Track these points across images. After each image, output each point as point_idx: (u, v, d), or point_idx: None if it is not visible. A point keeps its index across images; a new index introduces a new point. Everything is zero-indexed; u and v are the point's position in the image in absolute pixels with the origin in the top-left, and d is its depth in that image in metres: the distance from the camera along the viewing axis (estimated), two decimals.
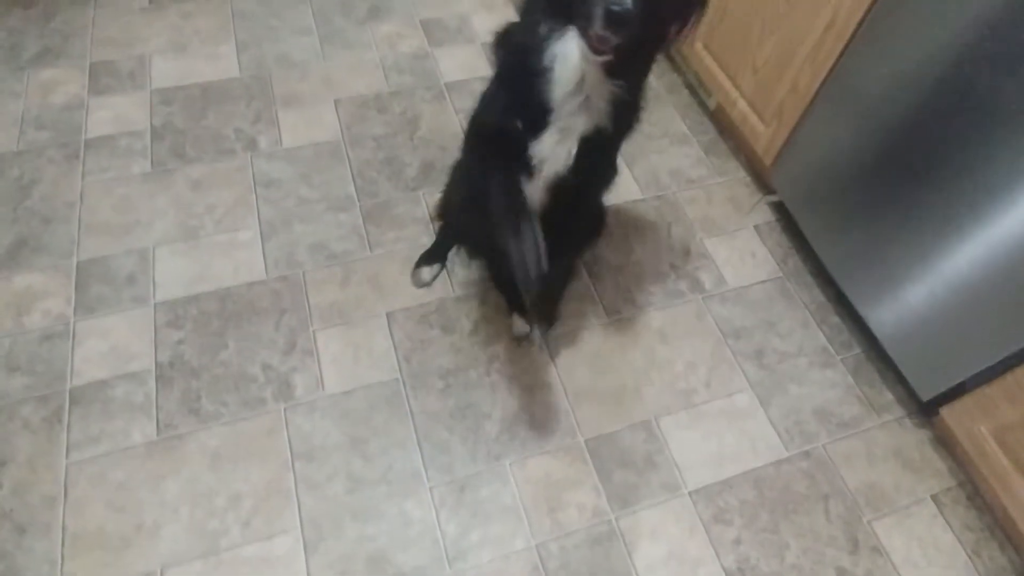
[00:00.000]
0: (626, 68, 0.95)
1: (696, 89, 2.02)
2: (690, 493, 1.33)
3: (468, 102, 1.89)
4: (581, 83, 0.96)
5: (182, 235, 1.60)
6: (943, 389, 1.33)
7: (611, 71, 0.95)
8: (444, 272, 1.59)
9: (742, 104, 1.73)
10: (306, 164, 1.76)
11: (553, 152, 1.04)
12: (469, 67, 2.04)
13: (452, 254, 1.60)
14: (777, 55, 1.55)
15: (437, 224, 1.65)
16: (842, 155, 1.45)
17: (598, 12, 0.80)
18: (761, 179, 1.82)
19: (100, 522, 1.21)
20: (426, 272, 1.56)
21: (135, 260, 1.55)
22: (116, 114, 1.84)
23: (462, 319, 1.52)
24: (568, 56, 0.93)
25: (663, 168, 1.85)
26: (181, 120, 1.83)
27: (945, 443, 1.44)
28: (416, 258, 1.58)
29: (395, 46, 2.08)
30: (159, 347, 1.43)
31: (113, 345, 1.42)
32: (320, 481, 1.29)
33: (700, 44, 1.85)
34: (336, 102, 1.91)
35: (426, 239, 1.64)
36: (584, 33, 0.88)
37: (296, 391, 1.39)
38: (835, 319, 1.60)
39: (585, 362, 1.48)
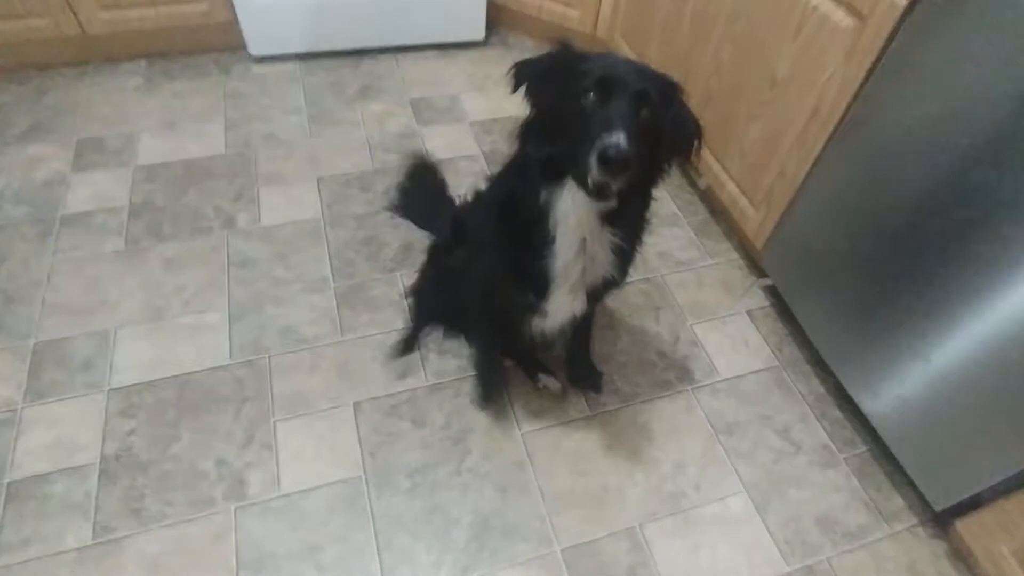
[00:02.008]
0: (626, 211, 0.98)
1: (687, 170, 1.99)
2: None
3: (454, 179, 1.86)
4: (583, 242, 1.00)
5: (147, 316, 1.54)
6: (956, 500, 1.20)
7: (611, 219, 0.98)
8: (418, 358, 1.50)
9: (731, 187, 1.68)
10: (283, 243, 1.72)
11: (567, 305, 1.12)
12: (456, 145, 2.02)
13: (427, 338, 1.52)
14: (763, 140, 1.51)
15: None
16: (834, 241, 1.39)
17: (595, 159, 0.82)
18: (754, 262, 1.76)
19: None
20: (417, 344, 1.52)
21: (95, 343, 1.48)
22: (96, 191, 1.82)
23: (434, 411, 1.42)
24: (569, 217, 0.97)
25: (652, 249, 1.79)
26: (161, 197, 1.81)
27: (964, 558, 1.29)
28: (393, 343, 1.52)
29: (383, 124, 2.08)
30: (108, 438, 1.34)
31: (59, 435, 1.33)
32: None
33: None
34: (319, 180, 1.89)
35: (400, 322, 1.56)
36: (583, 183, 0.89)
37: (250, 489, 1.28)
38: (836, 413, 1.49)
39: (564, 461, 1.37)
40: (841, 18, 1.23)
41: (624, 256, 1.08)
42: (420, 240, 1.74)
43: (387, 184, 1.89)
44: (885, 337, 1.29)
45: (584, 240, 1.01)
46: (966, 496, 1.17)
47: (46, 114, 2.04)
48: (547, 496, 1.31)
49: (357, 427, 1.38)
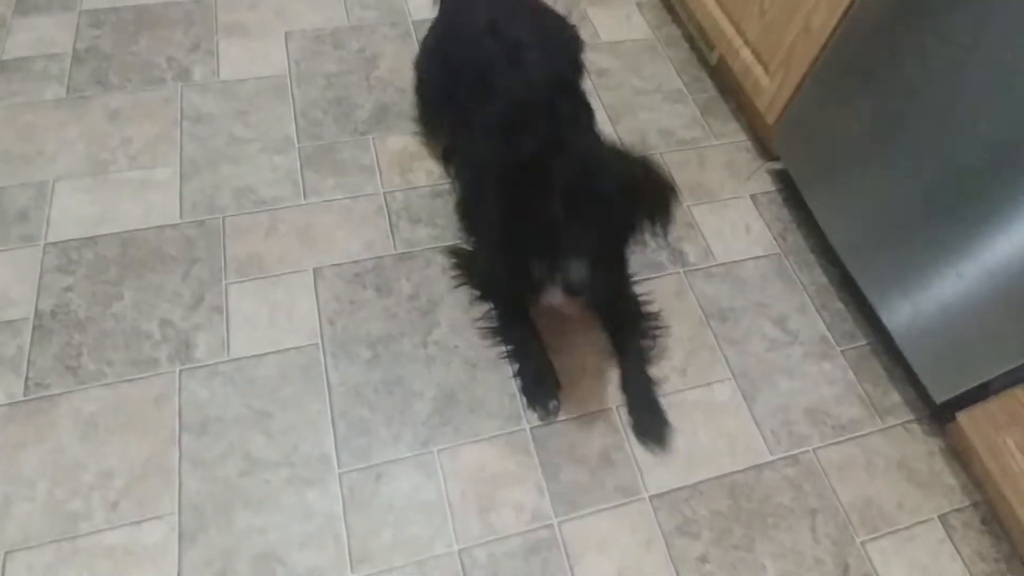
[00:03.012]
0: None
1: (697, 42, 1.78)
2: (651, 498, 1.11)
3: None
4: None
5: (89, 170, 1.39)
6: (963, 390, 1.10)
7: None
8: (389, 228, 1.37)
9: (745, 53, 1.50)
10: (244, 100, 1.55)
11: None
12: None
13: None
14: None
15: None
16: (858, 116, 1.22)
17: (558, 287, 0.92)
18: (763, 144, 1.59)
19: None
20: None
21: (31, 194, 1.34)
22: (38, 36, 1.63)
23: (401, 280, 1.30)
24: None
25: (652, 126, 1.62)
26: (108, 44, 1.62)
27: (959, 455, 1.21)
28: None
29: None
30: (43, 293, 1.22)
31: None
32: (209, 460, 1.08)
33: None
34: (287, 34, 1.69)
35: (370, 188, 1.42)
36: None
37: (196, 352, 1.18)
38: (838, 305, 1.38)
39: (543, 339, 1.26)
40: None
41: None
42: (396, 102, 1.58)
43: (363, 43, 1.69)
44: (909, 223, 1.15)
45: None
46: (974, 384, 1.07)
47: None
48: None
49: (316, 294, 1.27)
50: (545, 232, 0.91)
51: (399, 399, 1.17)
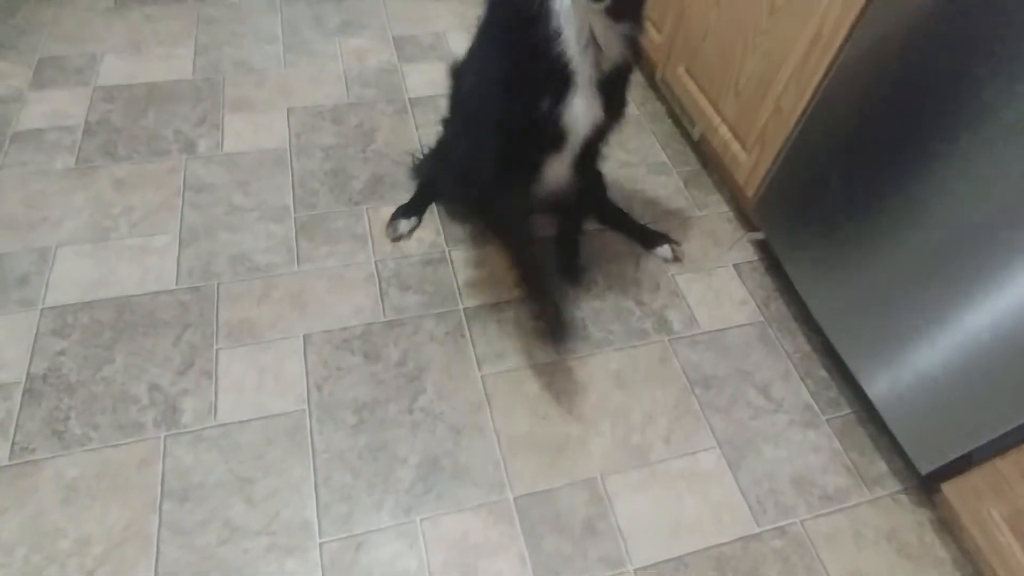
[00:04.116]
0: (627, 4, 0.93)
1: (680, 118, 1.87)
2: (635, 571, 1.09)
3: (432, 116, 1.77)
4: (591, 36, 0.94)
5: (91, 236, 1.44)
6: (946, 460, 1.10)
7: (614, 13, 0.91)
8: (379, 295, 1.41)
9: (724, 130, 1.57)
10: (244, 171, 1.61)
11: (585, 112, 1.02)
12: (438, 84, 1.90)
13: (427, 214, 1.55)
14: (760, 74, 1.40)
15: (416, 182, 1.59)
16: (830, 187, 1.28)
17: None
18: (744, 215, 1.65)
19: None
20: (403, 224, 1.49)
21: (33, 259, 1.39)
22: (52, 108, 1.72)
23: (389, 346, 1.32)
24: (571, 13, 0.90)
25: (637, 197, 1.69)
26: (119, 118, 1.70)
27: (948, 527, 1.20)
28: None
29: (363, 59, 1.97)
30: (36, 357, 1.24)
31: None
32: (189, 527, 1.07)
33: (682, 68, 1.71)
34: (289, 110, 1.78)
35: (362, 256, 1.46)
36: None
37: (183, 417, 1.19)
38: (822, 373, 1.39)
39: (526, 405, 1.27)
40: None
41: (631, 48, 1.01)
42: (390, 174, 1.64)
43: (361, 118, 1.78)
44: (883, 294, 1.18)
45: (591, 32, 0.94)
46: (955, 456, 1.07)
47: (10, 32, 1.93)
48: (504, 440, 1.22)
49: (305, 359, 1.29)
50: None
51: (383, 465, 1.17)
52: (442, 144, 1.52)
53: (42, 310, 1.31)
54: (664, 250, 1.53)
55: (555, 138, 1.05)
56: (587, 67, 0.97)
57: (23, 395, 1.19)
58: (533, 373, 1.32)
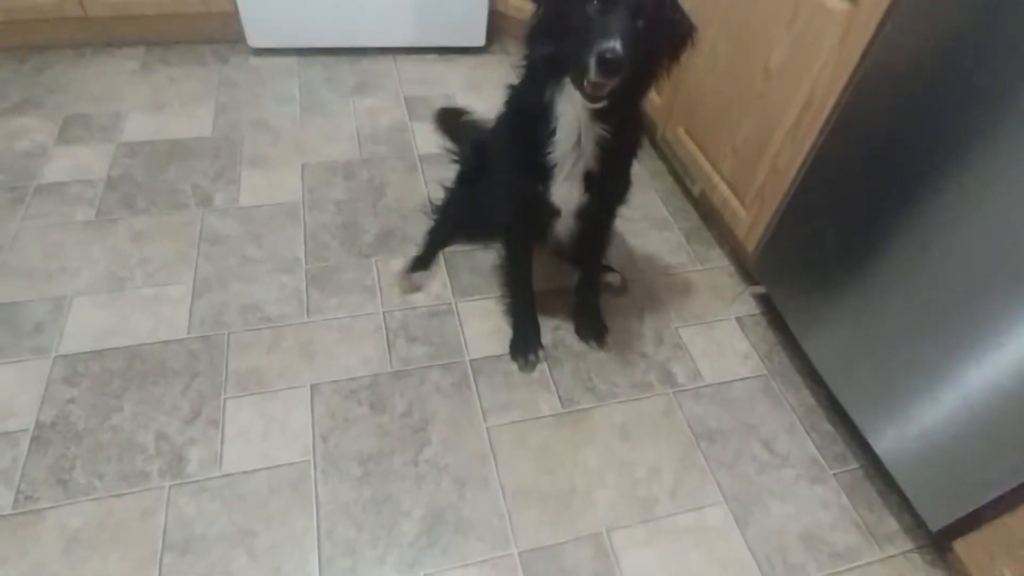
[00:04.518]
0: (619, 108, 1.06)
1: (681, 175, 1.93)
2: None
3: (441, 173, 1.83)
4: (578, 134, 1.10)
5: (107, 286, 1.47)
6: (956, 517, 1.09)
7: (602, 116, 1.07)
8: (386, 346, 1.43)
9: (723, 188, 1.62)
10: (259, 224, 1.66)
11: (567, 197, 1.21)
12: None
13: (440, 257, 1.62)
14: (756, 135, 1.46)
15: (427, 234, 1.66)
16: (828, 242, 1.31)
17: (592, 62, 0.91)
18: (745, 269, 1.68)
19: None
20: (418, 276, 1.56)
21: (48, 308, 1.42)
22: (76, 163, 1.79)
23: (396, 397, 1.33)
24: (567, 113, 1.07)
25: (640, 252, 1.72)
26: (140, 173, 1.77)
27: None
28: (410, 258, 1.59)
29: (375, 118, 2.05)
30: (45, 404, 1.26)
31: None
32: None
33: (682, 128, 1.78)
34: (303, 166, 1.85)
35: (371, 307, 1.49)
36: (579, 85, 0.98)
37: (188, 467, 1.19)
38: (827, 427, 1.39)
39: (531, 457, 1.27)
40: (835, 3, 1.19)
41: (616, 156, 1.17)
42: (399, 227, 1.69)
43: (372, 174, 1.84)
44: (884, 348, 1.20)
45: (579, 134, 1.10)
46: (965, 513, 1.06)
47: (39, 90, 2.03)
48: (508, 493, 1.21)
49: (312, 409, 1.30)
50: (582, 35, 0.95)
51: (387, 518, 1.16)
52: (457, 193, 1.66)
53: (55, 358, 1.33)
54: (612, 276, 1.61)
55: (550, 211, 1.25)
56: (571, 163, 1.15)
57: (31, 443, 1.20)
58: (538, 425, 1.32)
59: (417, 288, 1.55)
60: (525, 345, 1.43)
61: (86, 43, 2.21)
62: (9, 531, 1.09)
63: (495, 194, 1.39)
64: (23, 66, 2.11)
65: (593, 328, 1.49)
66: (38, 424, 1.23)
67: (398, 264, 1.58)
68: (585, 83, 0.95)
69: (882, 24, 1.11)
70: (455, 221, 1.64)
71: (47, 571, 1.05)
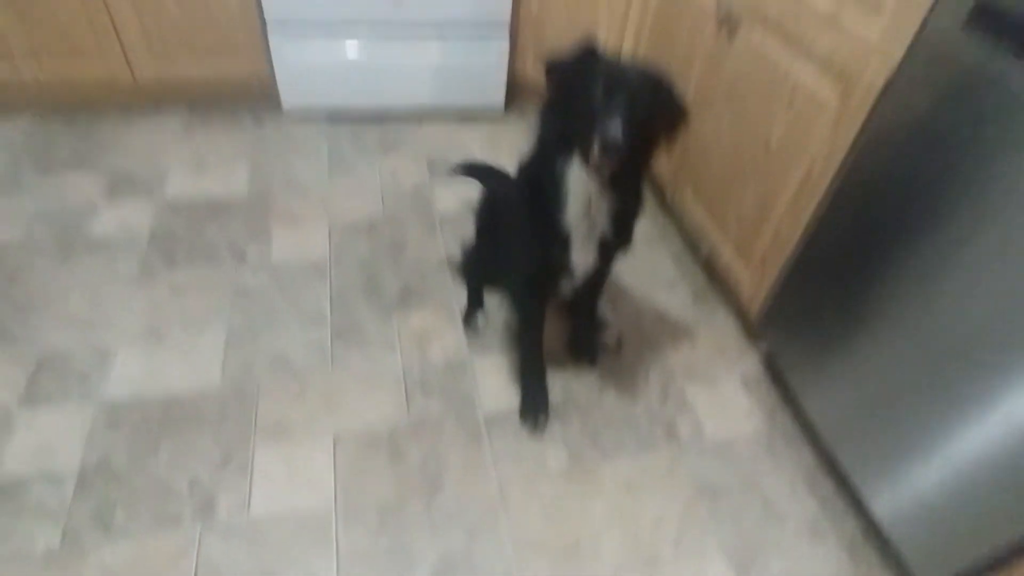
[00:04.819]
0: (624, 179, 1.17)
1: (689, 236, 2.02)
2: None
3: (459, 231, 1.93)
4: (588, 204, 1.20)
5: (147, 336, 1.59)
6: None
7: (610, 186, 1.17)
8: (404, 398, 1.51)
9: (728, 251, 1.71)
10: (288, 279, 1.78)
11: (582, 261, 1.31)
12: (465, 202, 2.10)
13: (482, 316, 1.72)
14: (758, 204, 1.55)
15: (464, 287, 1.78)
16: (827, 306, 1.38)
17: (596, 143, 1.03)
18: (750, 329, 1.75)
19: None
20: (480, 318, 1.70)
21: (94, 357, 1.53)
22: (122, 219, 1.92)
23: (412, 449, 1.41)
24: (577, 184, 1.17)
25: (648, 310, 1.80)
26: (181, 229, 1.90)
27: None
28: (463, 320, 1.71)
29: (397, 178, 2.18)
30: (89, 448, 1.35)
31: (45, 441, 1.35)
32: None
33: (690, 191, 1.88)
34: (330, 224, 1.97)
35: (391, 360, 1.58)
36: (586, 159, 1.10)
37: (219, 511, 1.27)
38: (828, 485, 1.44)
39: (539, 509, 1.33)
40: (828, 94, 1.29)
41: (624, 219, 1.28)
42: (419, 284, 1.79)
43: (394, 232, 1.96)
44: (880, 410, 1.26)
45: (589, 204, 1.20)
46: (957, 571, 1.10)
47: (89, 149, 2.19)
48: (517, 544, 1.27)
49: (334, 458, 1.38)
50: (587, 118, 1.06)
51: (402, 565, 1.22)
52: (477, 250, 1.74)
53: (98, 404, 1.43)
54: (609, 336, 1.71)
55: (563, 271, 1.34)
56: (583, 231, 1.25)
57: (76, 484, 1.29)
58: (547, 478, 1.39)
59: (480, 329, 1.68)
60: (535, 408, 1.49)
61: (134, 105, 2.39)
62: (57, 569, 1.17)
63: (509, 257, 1.48)
64: (75, 126, 2.29)
65: (587, 347, 1.64)
66: (83, 467, 1.32)
67: (418, 320, 1.68)
68: (590, 159, 1.07)
69: (870, 115, 1.20)
70: (478, 273, 1.73)
71: None
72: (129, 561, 1.19)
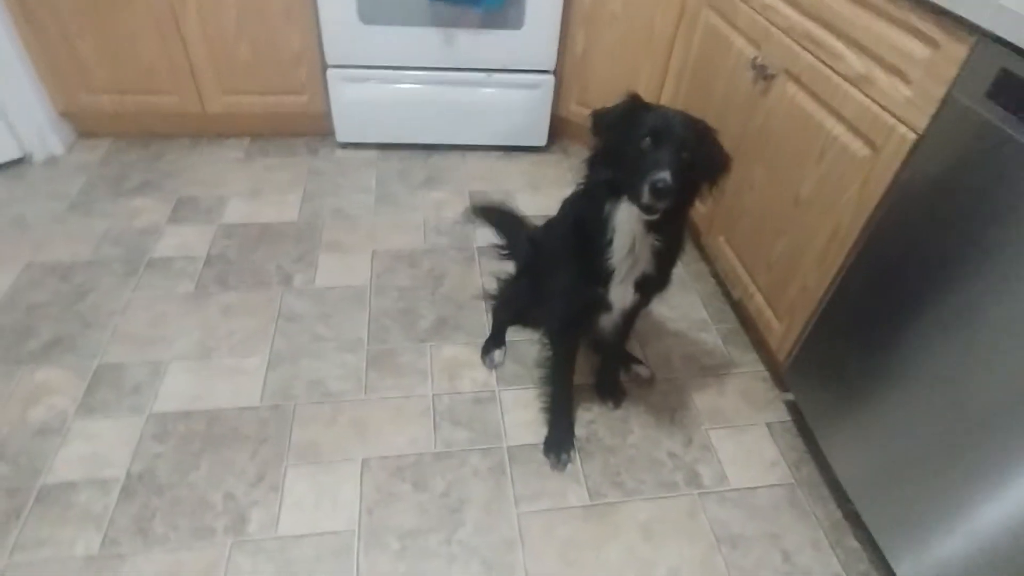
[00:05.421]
0: (668, 221, 1.20)
1: (723, 279, 2.03)
2: None
3: (496, 267, 1.99)
4: (632, 245, 1.25)
5: (197, 354, 1.69)
6: None
7: (654, 227, 1.22)
8: (432, 427, 1.56)
9: (759, 298, 1.71)
10: (330, 304, 1.86)
11: (622, 298, 1.35)
12: None
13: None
14: (788, 254, 1.56)
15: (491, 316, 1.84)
16: (856, 362, 1.37)
17: (647, 189, 1.08)
18: (778, 376, 1.74)
19: None
20: (497, 354, 1.74)
21: (147, 371, 1.63)
22: (183, 241, 2.06)
23: (436, 478, 1.45)
24: (623, 225, 1.23)
25: (677, 352, 1.81)
26: (235, 253, 2.02)
27: None
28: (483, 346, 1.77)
29: (440, 210, 2.27)
30: (136, 458, 1.44)
31: (96, 449, 1.45)
32: None
33: (723, 238, 1.89)
34: (373, 252, 2.06)
35: (421, 390, 1.64)
36: (636, 202, 1.14)
37: (249, 527, 1.34)
38: (853, 543, 1.41)
39: (556, 548, 1.35)
40: (859, 148, 1.30)
41: (664, 260, 1.32)
42: (453, 316, 1.85)
43: (433, 264, 2.03)
44: (906, 470, 1.24)
45: (633, 243, 1.25)
46: None
47: (157, 175, 2.36)
48: None
49: (361, 483, 1.43)
50: (637, 165, 1.13)
51: None
52: (515, 285, 1.80)
53: (148, 416, 1.53)
54: (641, 369, 1.74)
55: (603, 308, 1.38)
56: (628, 267, 1.29)
57: (120, 492, 1.38)
58: (566, 516, 1.41)
59: (497, 365, 1.72)
60: (559, 444, 1.52)
61: (200, 134, 2.57)
62: (94, 572, 1.25)
63: (548, 294, 1.52)
64: (145, 151, 2.47)
65: (612, 389, 1.66)
66: (128, 475, 1.41)
67: (450, 351, 1.74)
68: (640, 202, 1.12)
69: (899, 173, 1.21)
70: (513, 310, 1.78)
71: None
72: (163, 570, 1.26)
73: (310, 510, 1.38)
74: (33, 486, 1.37)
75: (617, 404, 1.65)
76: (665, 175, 1.06)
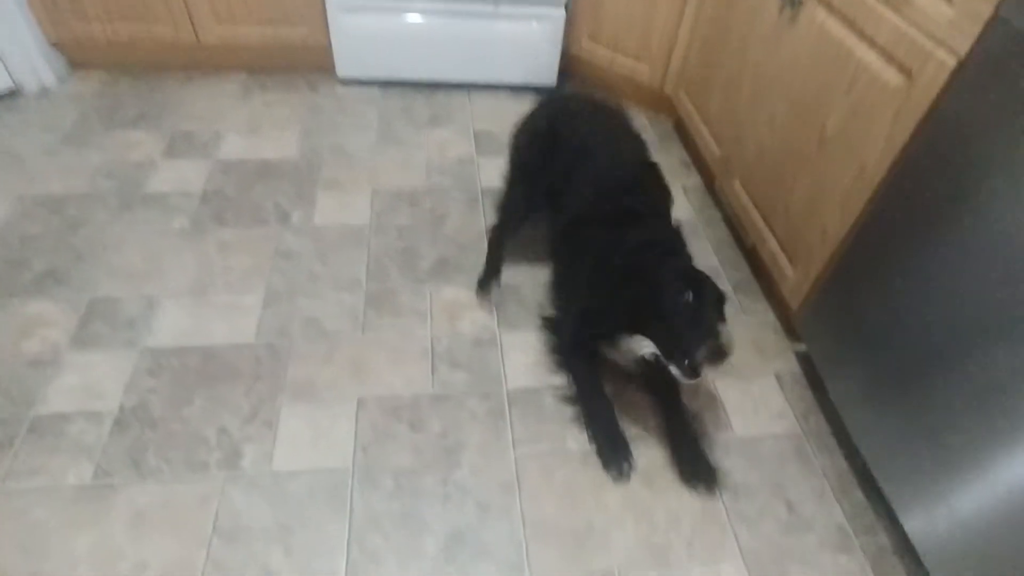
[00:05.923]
0: None
1: (735, 225, 1.95)
2: None
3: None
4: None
5: (192, 290, 1.65)
6: None
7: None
8: (430, 369, 1.52)
9: (773, 244, 1.64)
10: (328, 243, 1.81)
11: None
12: None
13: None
14: (808, 198, 1.47)
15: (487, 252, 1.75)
16: (873, 312, 1.31)
17: (701, 352, 1.16)
18: (790, 326, 1.68)
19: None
20: (494, 287, 1.68)
21: (141, 306, 1.60)
22: (178, 177, 2.00)
23: (433, 419, 1.42)
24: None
25: None
26: (231, 189, 1.96)
27: None
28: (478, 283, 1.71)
29: (444, 150, 2.18)
30: (129, 391, 1.42)
31: (89, 381, 1.43)
32: (232, 567, 1.17)
33: (738, 182, 1.80)
34: (373, 191, 1.99)
35: (420, 331, 1.60)
36: (679, 364, 1.20)
37: (243, 462, 1.32)
38: (858, 495, 1.37)
39: (554, 491, 1.32)
40: (891, 76, 1.21)
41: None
42: (455, 257, 1.79)
43: (435, 203, 1.96)
44: (921, 425, 1.19)
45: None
46: None
47: (152, 107, 2.28)
48: (528, 523, 1.27)
49: (356, 421, 1.40)
50: (671, 324, 1.22)
51: (412, 532, 1.24)
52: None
53: (141, 350, 1.50)
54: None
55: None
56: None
57: (113, 424, 1.36)
58: (564, 460, 1.38)
59: (492, 297, 1.68)
60: (615, 455, 1.36)
61: (196, 67, 2.47)
62: (86, 501, 1.24)
63: (565, 296, 1.55)
64: (139, 83, 2.38)
65: (697, 470, 1.36)
66: (121, 408, 1.39)
67: (451, 293, 1.69)
68: (686, 365, 1.18)
69: (936, 102, 1.12)
70: (513, 225, 1.70)
71: (113, 542, 1.19)
72: (156, 502, 1.25)
73: (304, 447, 1.35)
74: (25, 416, 1.35)
75: (710, 487, 1.35)
76: (704, 351, 1.17)
